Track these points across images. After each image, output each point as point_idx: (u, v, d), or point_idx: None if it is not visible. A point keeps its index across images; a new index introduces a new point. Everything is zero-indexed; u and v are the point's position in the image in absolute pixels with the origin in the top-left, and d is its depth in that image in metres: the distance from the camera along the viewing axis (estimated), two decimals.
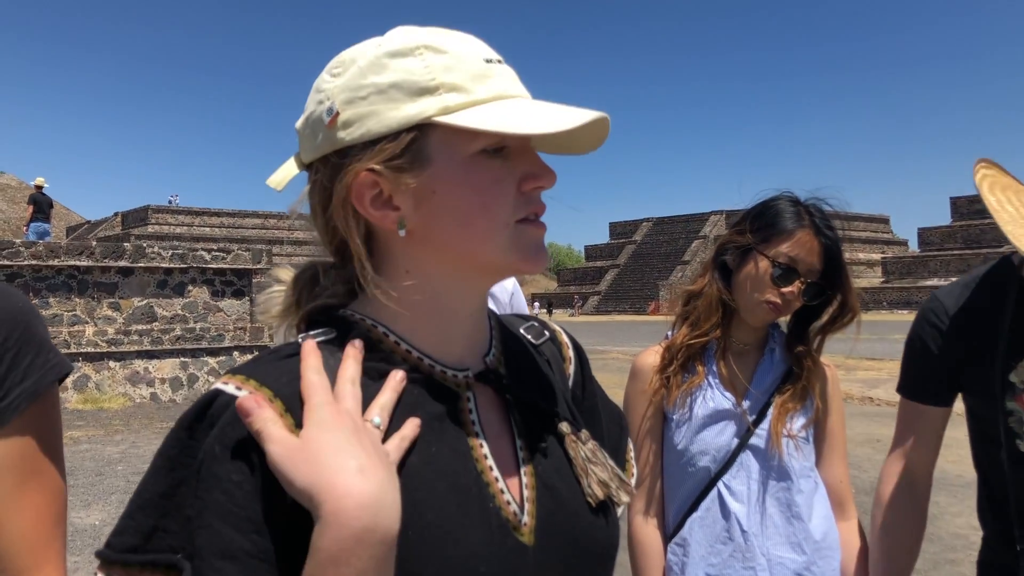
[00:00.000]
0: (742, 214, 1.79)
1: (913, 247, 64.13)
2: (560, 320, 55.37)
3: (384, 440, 0.77)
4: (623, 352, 22.32)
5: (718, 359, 1.76)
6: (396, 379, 0.82)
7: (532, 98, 0.86)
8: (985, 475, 1.67)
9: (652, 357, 1.82)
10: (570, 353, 1.09)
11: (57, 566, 1.07)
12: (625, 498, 0.94)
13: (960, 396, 1.69)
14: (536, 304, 63.51)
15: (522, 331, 1.05)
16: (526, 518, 0.84)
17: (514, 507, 0.84)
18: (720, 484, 1.70)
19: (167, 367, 13.50)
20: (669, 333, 1.86)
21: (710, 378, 1.74)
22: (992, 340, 1.57)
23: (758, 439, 1.71)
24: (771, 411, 1.71)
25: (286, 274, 0.94)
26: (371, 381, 0.82)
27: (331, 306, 0.89)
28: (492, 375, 0.91)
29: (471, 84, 0.80)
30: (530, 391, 0.94)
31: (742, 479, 1.70)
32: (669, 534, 1.79)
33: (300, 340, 0.83)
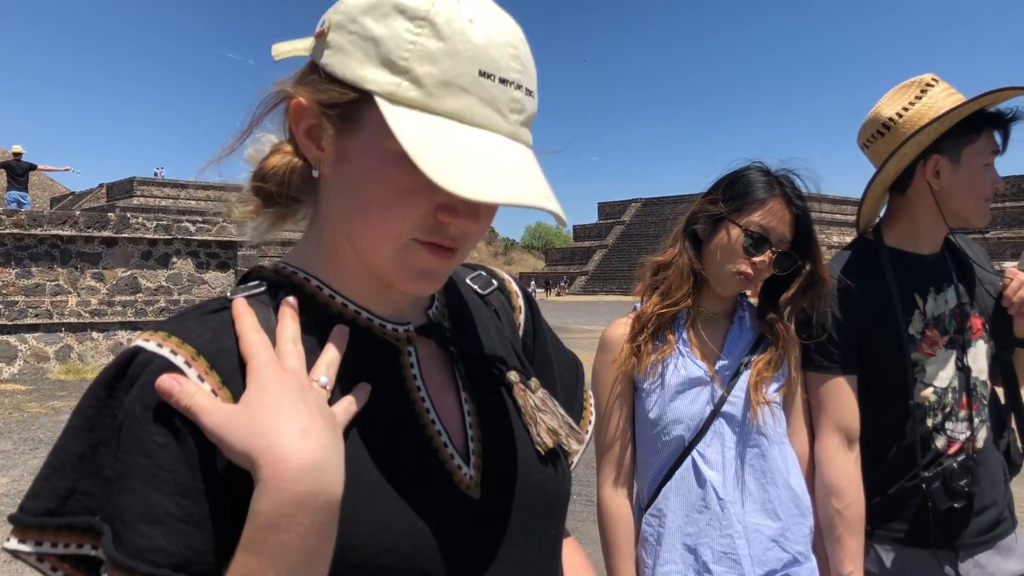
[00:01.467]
0: (714, 183, 1.79)
1: None
2: (546, 300, 55.43)
3: (331, 399, 0.75)
4: None
5: (688, 328, 1.77)
6: (340, 335, 0.80)
7: (512, 139, 0.76)
8: (876, 423, 1.84)
9: (621, 328, 1.82)
10: (520, 302, 1.07)
11: None
12: (576, 446, 0.93)
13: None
14: (532, 283, 63.68)
15: (468, 281, 1.03)
16: (472, 471, 0.83)
17: (458, 460, 0.83)
18: (694, 452, 1.70)
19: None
20: (637, 306, 1.86)
21: (681, 346, 1.74)
22: (888, 304, 1.82)
23: (731, 406, 1.70)
24: (744, 378, 1.71)
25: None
26: (308, 336, 0.79)
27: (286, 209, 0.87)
28: (434, 328, 0.89)
29: (437, 89, 0.73)
30: (475, 342, 0.93)
31: (716, 447, 1.70)
32: (644, 505, 1.78)
33: (229, 296, 0.80)
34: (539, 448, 0.89)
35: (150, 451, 0.67)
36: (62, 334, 12.63)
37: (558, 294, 62.38)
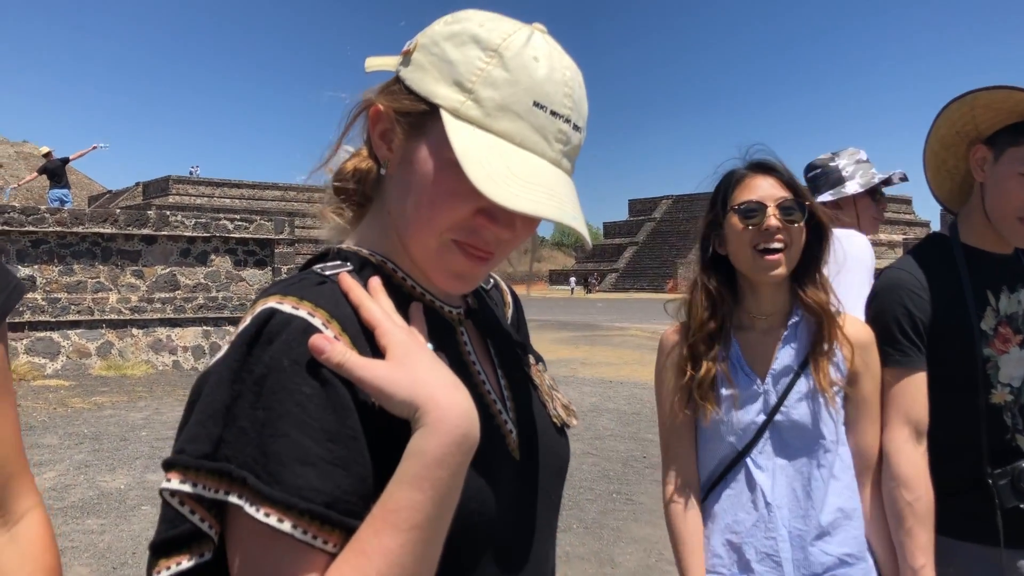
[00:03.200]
0: (709, 202, 1.86)
1: (935, 227, 63.47)
2: (572, 297, 55.32)
3: None
4: (641, 329, 22.32)
5: (740, 338, 1.80)
6: (418, 312, 0.91)
7: (554, 165, 0.87)
8: (943, 419, 1.82)
9: (675, 336, 1.87)
10: (509, 299, 1.21)
11: (31, 474, 1.11)
12: (575, 422, 1.08)
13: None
14: (572, 279, 63.79)
15: None
16: (514, 437, 0.96)
17: (511, 426, 0.96)
18: (748, 459, 1.74)
19: (189, 335, 13.60)
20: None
21: (733, 358, 1.77)
22: (960, 298, 1.84)
23: (783, 416, 1.72)
24: (799, 386, 1.73)
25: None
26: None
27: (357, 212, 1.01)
28: (475, 312, 1.04)
29: (496, 111, 0.84)
30: (499, 328, 1.08)
31: (768, 454, 1.73)
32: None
33: (320, 271, 0.89)
34: (555, 420, 1.04)
35: (300, 400, 0.74)
36: (103, 330, 12.84)
37: (588, 291, 62.23)
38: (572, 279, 63.64)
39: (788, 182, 1.75)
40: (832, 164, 2.82)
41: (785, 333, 1.77)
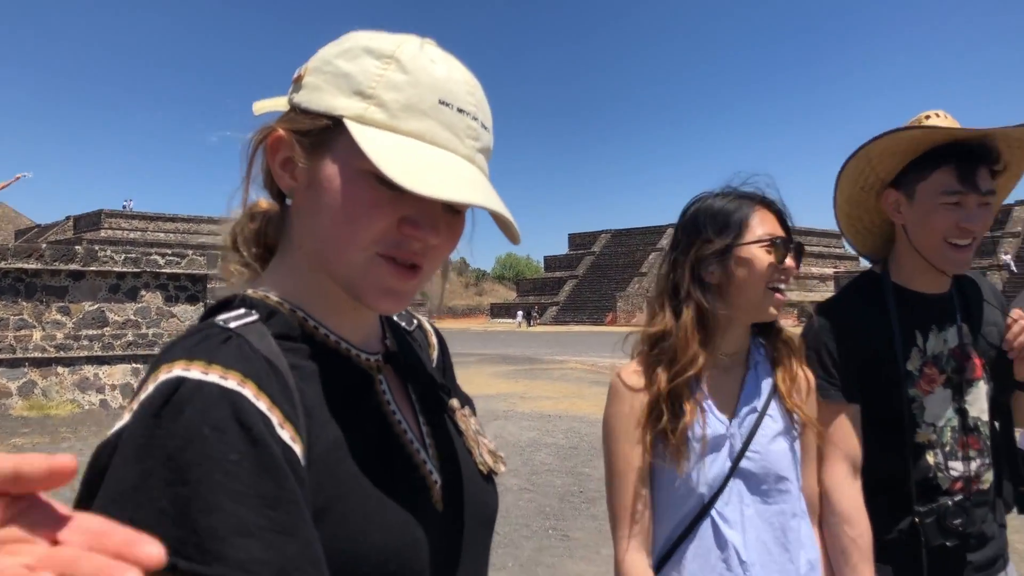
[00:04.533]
0: (687, 231, 1.72)
1: (864, 262, 65.02)
2: (514, 330, 55.39)
3: (321, 422, 0.82)
4: (580, 362, 22.38)
5: (704, 382, 1.68)
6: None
7: (469, 161, 0.86)
8: (872, 456, 1.84)
9: (634, 376, 1.70)
10: (434, 340, 1.18)
11: None
12: (503, 468, 1.04)
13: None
14: (520, 313, 63.82)
15: (395, 318, 1.12)
16: (438, 487, 0.92)
17: (435, 476, 0.92)
18: (714, 512, 1.62)
19: (118, 373, 13.20)
20: (636, 368, 1.73)
21: (701, 404, 1.64)
22: (888, 338, 1.85)
23: (749, 461, 1.63)
24: (763, 429, 1.65)
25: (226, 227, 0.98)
26: (305, 364, 0.86)
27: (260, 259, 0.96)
28: (394, 357, 1.00)
29: (401, 112, 0.83)
30: (421, 371, 1.04)
31: (735, 505, 1.62)
32: (655, 564, 1.68)
33: (223, 324, 0.82)
34: (481, 468, 1.01)
35: (228, 468, 0.68)
36: (25, 369, 12.39)
37: (529, 324, 62.36)
38: (520, 312, 63.70)
39: (782, 215, 1.71)
40: None
41: (747, 372, 1.71)
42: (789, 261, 1.64)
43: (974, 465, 1.85)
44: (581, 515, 6.62)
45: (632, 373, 1.71)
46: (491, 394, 14.97)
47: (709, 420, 1.64)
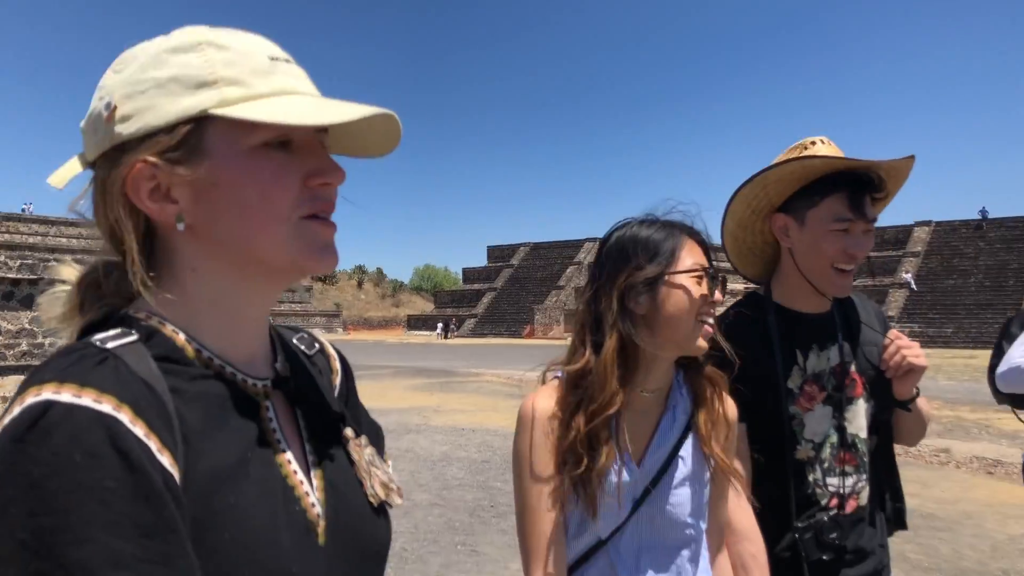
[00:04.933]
0: (613, 258, 1.61)
1: None
2: (432, 342, 55.13)
3: (202, 450, 0.78)
4: (497, 375, 22.37)
5: (622, 421, 1.59)
6: None
7: (322, 96, 0.89)
8: (760, 474, 1.86)
9: (547, 403, 1.59)
10: (337, 365, 1.13)
11: None
12: (398, 500, 1.01)
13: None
14: (440, 325, 63.43)
15: (295, 341, 1.08)
16: (322, 520, 0.89)
17: (318, 509, 0.89)
18: (609, 550, 1.58)
19: (11, 384, 12.60)
20: (559, 375, 1.65)
21: (616, 447, 1.56)
22: (770, 357, 1.88)
23: (650, 507, 1.58)
24: (673, 469, 1.60)
25: (70, 272, 0.92)
26: (186, 387, 0.82)
27: (116, 307, 0.88)
28: (285, 382, 0.96)
29: (252, 79, 0.83)
30: (316, 397, 1.00)
31: (630, 547, 1.58)
32: None
33: (100, 344, 0.79)
34: (372, 500, 0.97)
35: (103, 497, 0.66)
36: None
37: (446, 336, 62.14)
38: (440, 324, 63.42)
39: (706, 246, 1.65)
40: None
41: (664, 413, 1.65)
42: (718, 294, 1.60)
43: (850, 481, 1.90)
44: (491, 529, 6.58)
45: (545, 400, 1.60)
46: (404, 408, 14.82)
47: (617, 463, 1.56)
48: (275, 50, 0.88)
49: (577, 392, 1.57)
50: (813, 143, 1.91)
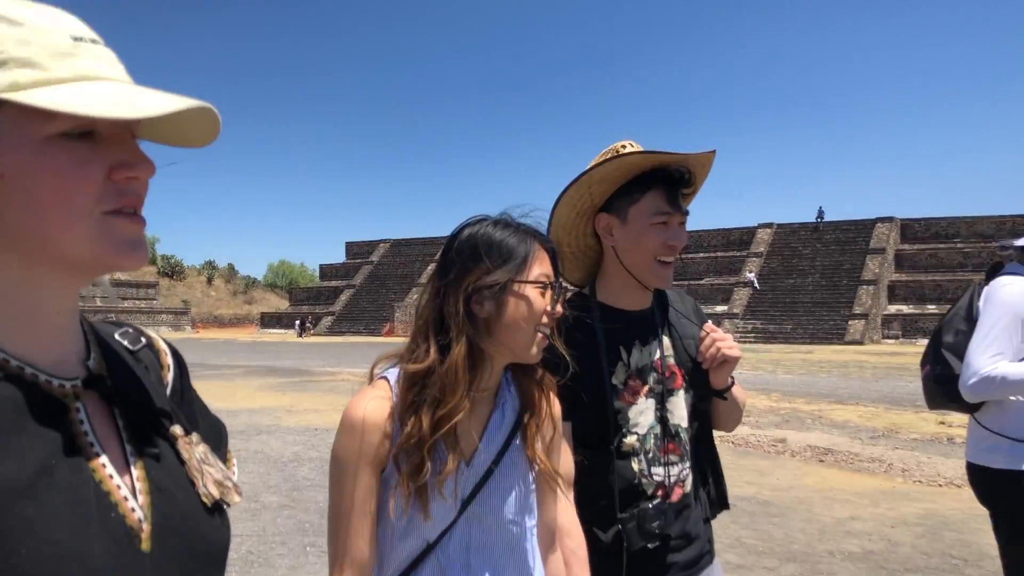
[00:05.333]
0: (463, 256, 1.57)
1: None
2: (287, 341, 53.75)
3: None
4: (353, 374, 22.04)
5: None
6: None
7: (134, 83, 0.82)
8: (584, 469, 1.89)
9: (374, 410, 1.52)
10: (168, 360, 1.06)
11: None
12: (236, 498, 0.96)
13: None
14: (297, 323, 61.65)
15: (117, 337, 1.01)
16: (146, 524, 0.83)
17: (139, 514, 0.83)
18: (438, 553, 1.54)
19: None
20: (390, 375, 1.60)
21: (446, 441, 1.52)
22: (595, 354, 1.94)
23: (478, 506, 1.56)
24: (501, 468, 1.58)
25: None
26: None
27: None
28: (98, 381, 0.88)
29: (49, 61, 0.76)
30: (137, 395, 0.93)
31: (459, 548, 1.55)
32: None
33: None
34: (205, 500, 0.91)
35: None
36: None
37: (301, 335, 60.72)
38: (297, 322, 61.81)
39: (553, 254, 1.64)
40: None
41: (494, 411, 1.63)
42: (559, 307, 1.60)
43: (675, 470, 1.99)
44: None
45: (376, 402, 1.54)
46: (255, 408, 14.38)
47: (443, 458, 1.52)
48: (81, 29, 0.80)
49: (417, 392, 1.52)
50: (624, 146, 2.00)
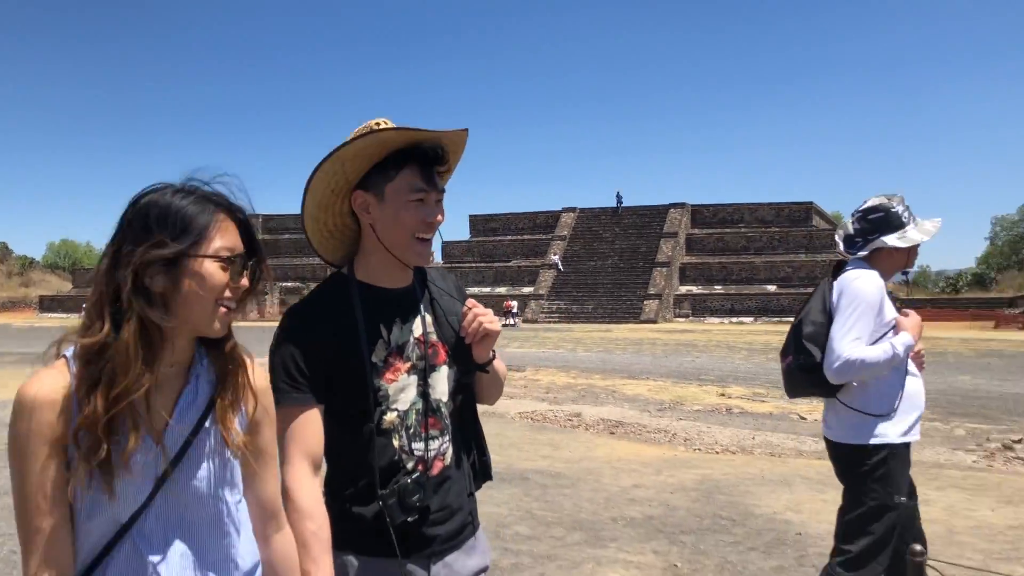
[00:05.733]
0: (135, 228, 1.48)
1: (438, 259, 69.88)
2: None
3: None
4: None
5: (142, 397, 1.47)
6: None
7: None
8: (345, 448, 1.96)
9: (55, 387, 1.43)
10: None
11: None
12: None
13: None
14: (84, 306, 56.93)
15: None
16: None
17: None
18: (133, 533, 1.46)
19: None
20: (69, 352, 1.49)
21: (136, 424, 1.44)
22: (355, 333, 1.94)
23: (174, 484, 1.48)
24: (198, 444, 1.52)
25: None
26: None
27: None
28: None
29: None
30: None
31: (157, 527, 1.49)
32: None
33: None
34: None
35: None
36: None
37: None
38: (84, 305, 57.33)
39: (244, 224, 1.56)
40: (894, 209, 3.33)
41: (186, 386, 1.56)
42: (244, 280, 1.53)
43: (435, 443, 2.01)
44: None
45: (50, 382, 1.44)
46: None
47: (127, 435, 1.43)
48: None
49: (93, 369, 1.43)
50: (378, 124, 1.98)
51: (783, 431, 11.14)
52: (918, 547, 2.65)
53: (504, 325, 46.75)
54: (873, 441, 3.27)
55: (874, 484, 3.26)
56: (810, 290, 3.59)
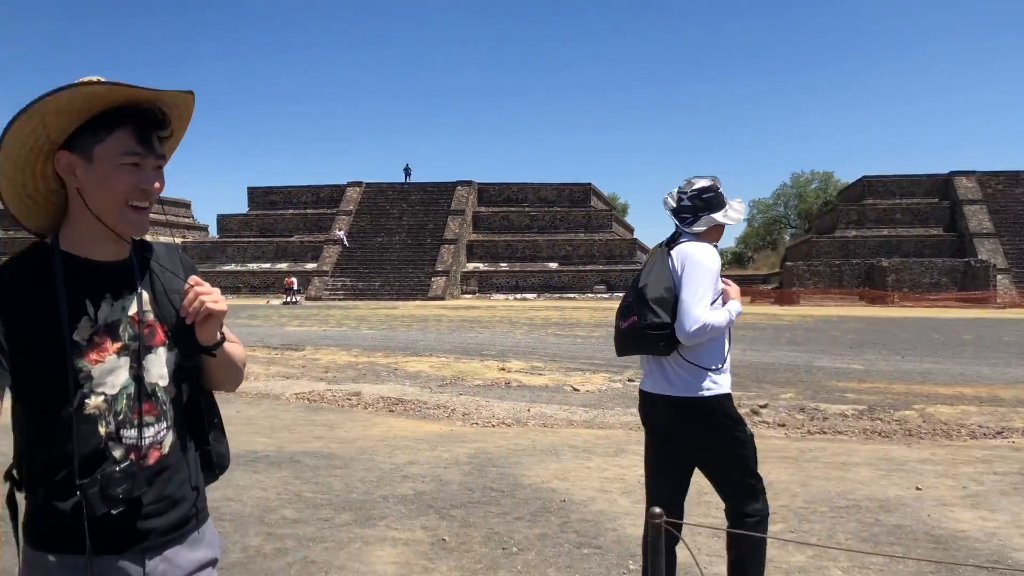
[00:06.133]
0: None
1: (213, 233, 66.35)
2: None
3: None
4: None
5: None
6: None
7: None
8: (41, 436, 1.78)
9: None
10: None
11: None
12: None
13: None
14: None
15: None
16: None
17: None
18: None
19: None
20: None
21: None
22: (54, 309, 1.76)
23: None
24: None
25: None
26: None
27: None
28: None
29: None
30: None
31: None
32: None
33: None
34: None
35: None
36: None
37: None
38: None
39: None
40: (720, 189, 3.77)
41: None
42: None
43: (150, 431, 1.86)
44: None
45: None
46: None
47: None
48: None
49: None
50: (90, 81, 1.78)
51: (557, 403, 11.55)
52: (657, 509, 2.78)
53: (285, 303, 46.20)
54: (717, 391, 3.66)
55: (737, 424, 3.70)
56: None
